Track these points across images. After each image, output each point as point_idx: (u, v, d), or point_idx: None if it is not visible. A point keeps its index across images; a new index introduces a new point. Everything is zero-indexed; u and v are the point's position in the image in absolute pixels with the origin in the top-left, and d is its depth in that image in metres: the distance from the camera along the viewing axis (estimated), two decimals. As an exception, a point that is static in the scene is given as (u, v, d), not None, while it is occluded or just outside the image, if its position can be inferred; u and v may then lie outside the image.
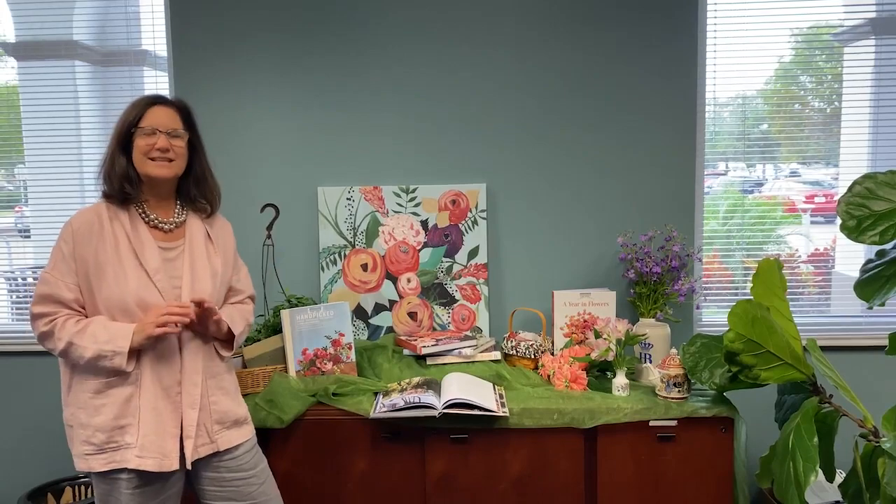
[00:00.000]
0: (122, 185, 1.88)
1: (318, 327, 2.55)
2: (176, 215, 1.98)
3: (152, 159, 1.88)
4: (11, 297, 3.27)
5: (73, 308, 1.85)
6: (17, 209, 3.35)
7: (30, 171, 3.17)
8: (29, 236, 3.26)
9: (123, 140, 1.89)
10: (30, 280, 3.28)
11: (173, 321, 1.82)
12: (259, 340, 2.60)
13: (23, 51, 3.10)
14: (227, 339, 2.01)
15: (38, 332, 1.85)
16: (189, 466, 1.89)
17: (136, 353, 1.84)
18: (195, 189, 2.01)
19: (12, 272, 3.30)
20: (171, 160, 1.90)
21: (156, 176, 1.90)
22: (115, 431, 1.83)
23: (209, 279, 1.97)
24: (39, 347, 3.02)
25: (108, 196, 1.91)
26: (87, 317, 1.86)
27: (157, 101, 1.93)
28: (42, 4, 3.05)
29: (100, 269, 1.83)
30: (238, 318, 2.05)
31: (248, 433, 2.05)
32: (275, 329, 2.62)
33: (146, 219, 1.93)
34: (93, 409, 1.83)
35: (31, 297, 3.19)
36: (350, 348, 2.58)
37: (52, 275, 1.84)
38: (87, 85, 3.10)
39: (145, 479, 1.86)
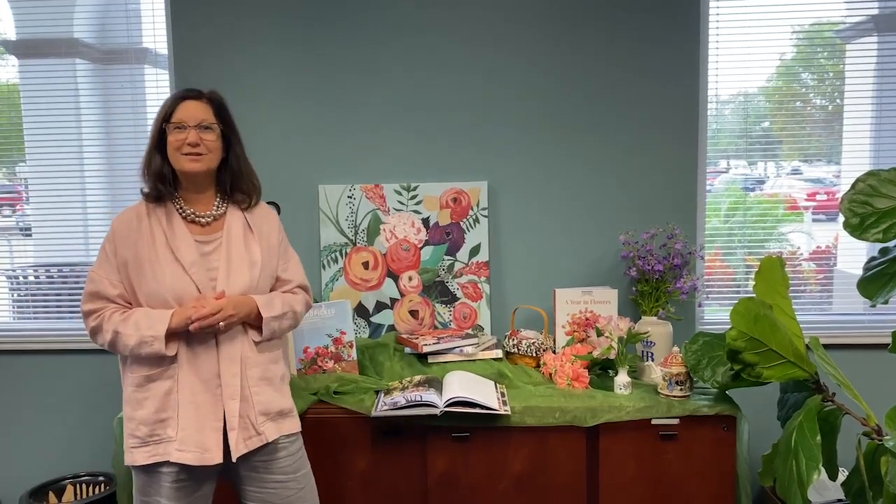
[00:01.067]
0: (156, 183, 1.91)
1: (320, 325, 2.54)
2: (214, 208, 1.98)
3: (185, 154, 1.88)
4: (13, 296, 3.27)
5: (119, 303, 1.90)
6: (18, 208, 3.35)
7: (31, 169, 3.16)
8: (30, 234, 3.26)
9: (157, 138, 1.91)
10: (31, 279, 3.28)
11: (206, 325, 1.82)
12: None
13: (23, 49, 3.10)
14: (260, 324, 1.95)
15: (89, 328, 1.90)
16: (234, 459, 1.87)
17: (177, 339, 1.85)
18: (232, 181, 2.00)
19: (13, 270, 3.29)
20: (201, 154, 1.89)
21: (188, 171, 1.89)
22: (157, 425, 1.85)
23: (246, 270, 1.94)
24: (41, 346, 3.07)
25: (145, 195, 1.94)
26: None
27: (187, 95, 1.93)
28: (43, 3, 3.04)
29: (139, 265, 1.87)
30: (278, 303, 1.99)
31: (293, 426, 2.01)
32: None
33: (183, 213, 1.94)
34: (135, 402, 1.87)
35: (32, 295, 3.22)
36: (351, 346, 2.57)
37: (98, 273, 1.90)
38: (87, 83, 3.10)
39: (186, 472, 1.87)
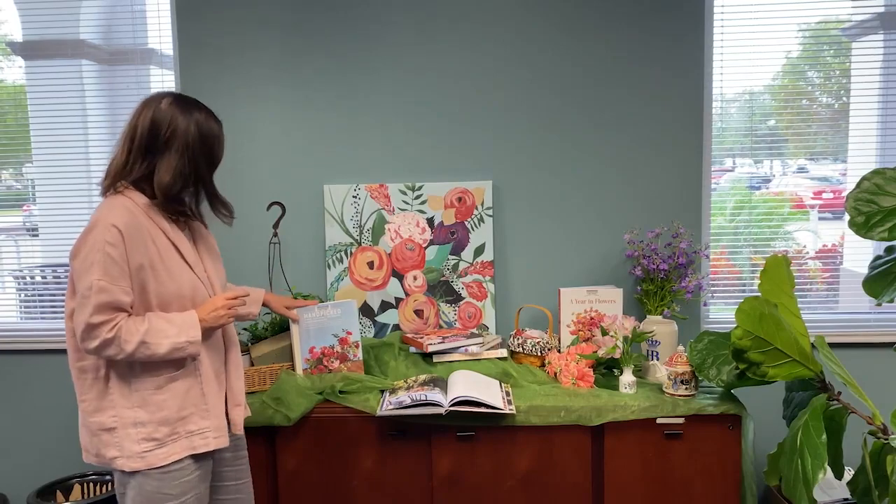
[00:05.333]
0: (193, 203, 1.96)
1: (326, 326, 2.55)
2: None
3: None
4: (20, 296, 3.28)
5: (128, 310, 1.83)
6: (25, 208, 3.37)
7: (37, 169, 3.18)
8: (37, 235, 3.28)
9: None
10: (38, 279, 3.30)
11: (237, 309, 1.98)
12: (266, 338, 2.61)
13: (30, 50, 3.11)
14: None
15: (101, 339, 1.77)
16: (241, 431, 2.04)
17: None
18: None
19: (20, 271, 3.31)
20: None
21: None
22: (178, 422, 1.88)
23: (220, 262, 2.08)
24: (48, 346, 3.07)
25: (166, 206, 1.88)
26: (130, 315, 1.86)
27: None
28: (49, 4, 3.06)
29: (152, 267, 1.84)
30: None
31: None
32: (281, 327, 2.63)
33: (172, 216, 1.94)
34: (154, 405, 1.85)
35: (39, 295, 3.23)
36: (357, 347, 2.58)
37: (106, 281, 1.77)
38: (94, 84, 3.11)
39: (204, 459, 1.94)
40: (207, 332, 1.91)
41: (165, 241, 1.88)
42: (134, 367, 1.86)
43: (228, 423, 2.00)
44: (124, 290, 1.80)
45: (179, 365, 1.89)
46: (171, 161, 1.85)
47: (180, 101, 1.90)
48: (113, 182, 1.88)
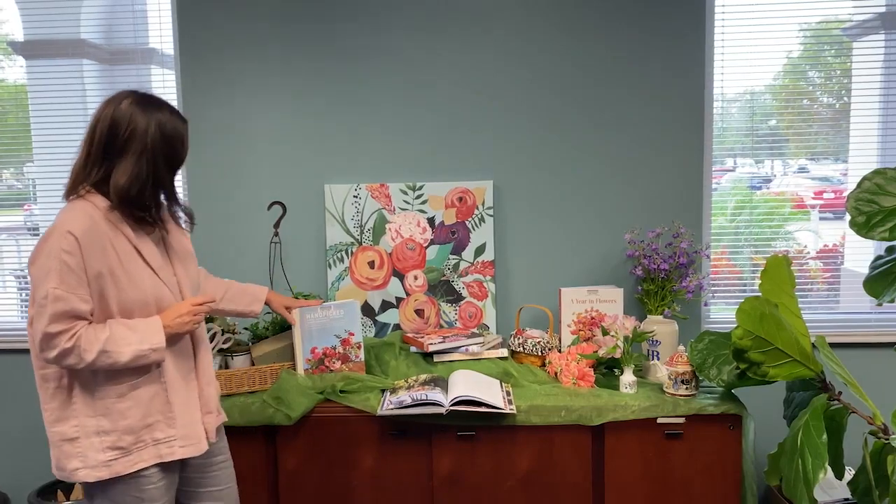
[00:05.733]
0: (156, 202, 1.87)
1: (328, 326, 2.54)
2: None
3: None
4: (21, 296, 3.29)
5: (88, 318, 1.78)
6: (26, 207, 3.37)
7: (38, 169, 3.18)
8: (38, 234, 3.28)
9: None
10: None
11: (203, 315, 1.92)
12: (267, 338, 2.61)
13: (31, 49, 3.12)
14: None
15: (60, 349, 1.73)
16: (215, 439, 1.97)
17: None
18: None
19: (21, 270, 3.31)
20: None
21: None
22: (144, 430, 1.83)
23: (192, 263, 2.01)
24: (49, 345, 3.05)
25: (122, 210, 1.81)
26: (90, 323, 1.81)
27: None
28: (50, 3, 3.06)
29: (112, 273, 1.78)
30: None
31: None
32: (282, 326, 2.63)
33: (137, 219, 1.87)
34: (118, 413, 1.81)
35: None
36: (359, 348, 2.57)
37: (62, 289, 1.72)
38: (94, 83, 3.11)
39: (170, 469, 1.89)
40: (173, 339, 1.85)
41: (127, 247, 1.81)
42: (97, 376, 1.80)
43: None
44: (82, 298, 1.74)
45: (142, 372, 1.83)
46: (128, 163, 1.78)
47: (142, 100, 1.81)
48: (74, 185, 1.83)
